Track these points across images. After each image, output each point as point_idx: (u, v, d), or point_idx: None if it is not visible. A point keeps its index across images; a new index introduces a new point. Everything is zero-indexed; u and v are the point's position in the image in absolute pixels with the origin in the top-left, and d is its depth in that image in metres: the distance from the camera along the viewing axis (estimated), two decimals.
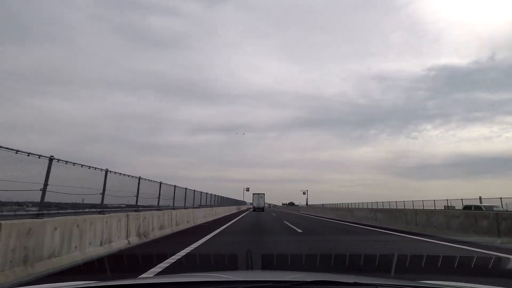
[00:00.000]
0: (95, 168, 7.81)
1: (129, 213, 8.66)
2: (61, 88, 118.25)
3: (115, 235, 7.56)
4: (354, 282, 1.59)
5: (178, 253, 6.68)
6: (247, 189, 73.84)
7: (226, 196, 40.22)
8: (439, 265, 5.21)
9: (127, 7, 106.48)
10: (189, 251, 7.12)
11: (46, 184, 6.04)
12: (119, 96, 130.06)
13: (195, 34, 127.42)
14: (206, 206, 22.53)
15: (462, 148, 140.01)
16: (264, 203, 54.39)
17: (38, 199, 5.90)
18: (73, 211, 6.90)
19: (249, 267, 5.24)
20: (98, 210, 7.79)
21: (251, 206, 52.56)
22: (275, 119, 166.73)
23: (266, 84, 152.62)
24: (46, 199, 6.03)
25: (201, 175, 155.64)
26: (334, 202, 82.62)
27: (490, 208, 23.67)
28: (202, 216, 18.73)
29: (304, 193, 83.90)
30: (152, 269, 5.13)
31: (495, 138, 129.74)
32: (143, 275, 4.68)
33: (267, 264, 5.50)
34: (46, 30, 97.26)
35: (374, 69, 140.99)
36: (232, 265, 5.42)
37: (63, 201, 6.77)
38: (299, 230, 13.42)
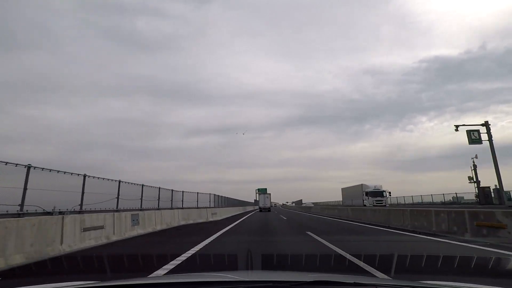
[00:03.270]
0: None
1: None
2: (51, 95, 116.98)
3: None
4: (354, 282, 1.59)
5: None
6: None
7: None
8: (439, 265, 5.21)
9: (113, 11, 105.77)
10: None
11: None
12: (111, 101, 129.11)
13: (185, 35, 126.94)
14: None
15: (457, 139, 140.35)
16: (271, 202, 53.62)
17: None
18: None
19: (249, 267, 5.23)
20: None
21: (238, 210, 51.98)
22: (271, 118, 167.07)
23: (260, 83, 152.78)
24: None
25: (199, 177, 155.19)
26: (334, 200, 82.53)
27: None
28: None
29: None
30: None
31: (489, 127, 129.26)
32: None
33: (267, 264, 5.50)
34: (32, 36, 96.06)
35: (366, 63, 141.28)
36: (232, 265, 5.42)
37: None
38: None
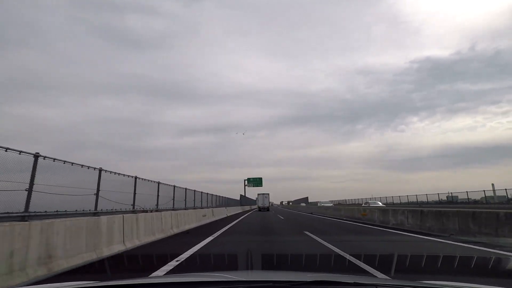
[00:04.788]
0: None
1: None
2: (41, 94, 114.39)
3: None
4: (354, 282, 1.58)
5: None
6: None
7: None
8: (439, 265, 5.22)
9: (104, 8, 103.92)
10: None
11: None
12: (103, 100, 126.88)
13: (177, 33, 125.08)
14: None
15: (448, 139, 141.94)
16: (269, 202, 55.97)
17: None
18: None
19: (249, 267, 5.24)
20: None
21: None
22: (264, 118, 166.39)
23: (253, 82, 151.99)
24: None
25: (193, 177, 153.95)
26: (333, 199, 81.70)
27: None
28: None
29: None
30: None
31: (479, 128, 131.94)
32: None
33: (267, 264, 5.51)
34: (21, 34, 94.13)
35: (358, 63, 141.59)
36: (232, 265, 5.42)
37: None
38: None
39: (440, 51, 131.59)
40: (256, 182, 62.77)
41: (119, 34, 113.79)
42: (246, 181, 62.85)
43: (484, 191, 33.48)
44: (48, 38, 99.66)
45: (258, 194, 55.77)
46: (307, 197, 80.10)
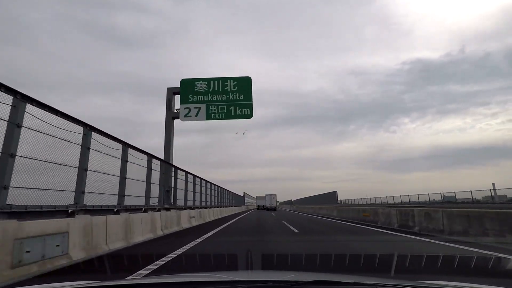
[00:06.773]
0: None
1: None
2: (28, 92, 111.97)
3: None
4: (354, 282, 1.58)
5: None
6: None
7: None
8: (439, 265, 5.21)
9: (92, 6, 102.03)
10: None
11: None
12: (91, 99, 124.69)
13: (167, 32, 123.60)
14: None
15: (439, 140, 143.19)
16: (276, 202, 61.19)
17: None
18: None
19: (249, 267, 5.23)
20: None
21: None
22: (257, 118, 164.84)
23: None
24: None
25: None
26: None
27: None
28: None
29: None
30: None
31: (469, 129, 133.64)
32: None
33: (267, 264, 5.50)
34: (6, 31, 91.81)
35: (350, 64, 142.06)
36: (232, 265, 5.41)
37: None
38: None
39: (431, 52, 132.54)
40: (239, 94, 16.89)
41: (109, 32, 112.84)
42: (266, 195, 59.08)
43: (490, 190, 33.17)
44: (36, 36, 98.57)
45: (266, 195, 59.66)
46: (336, 191, 58.45)
